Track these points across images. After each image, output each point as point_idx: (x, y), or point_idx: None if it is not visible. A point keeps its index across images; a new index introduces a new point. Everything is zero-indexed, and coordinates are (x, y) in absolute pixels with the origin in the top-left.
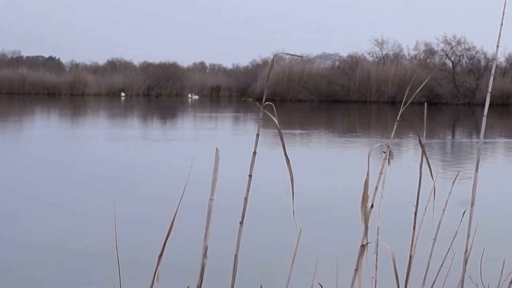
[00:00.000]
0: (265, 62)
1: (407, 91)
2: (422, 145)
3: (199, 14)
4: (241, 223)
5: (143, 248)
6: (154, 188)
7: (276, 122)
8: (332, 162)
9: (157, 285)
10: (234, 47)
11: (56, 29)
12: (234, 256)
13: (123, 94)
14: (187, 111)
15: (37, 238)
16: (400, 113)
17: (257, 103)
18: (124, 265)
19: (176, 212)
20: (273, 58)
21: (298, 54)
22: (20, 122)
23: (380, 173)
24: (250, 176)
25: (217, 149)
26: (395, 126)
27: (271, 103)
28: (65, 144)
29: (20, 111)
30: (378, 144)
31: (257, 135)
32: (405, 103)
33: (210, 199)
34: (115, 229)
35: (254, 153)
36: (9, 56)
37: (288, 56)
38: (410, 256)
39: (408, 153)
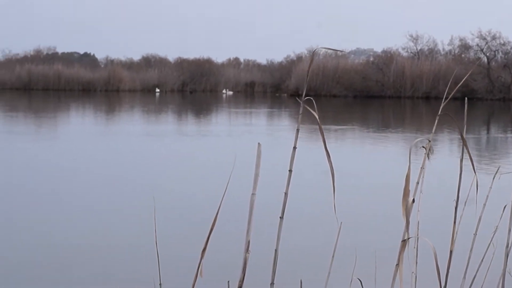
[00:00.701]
0: (299, 58)
1: (446, 86)
2: (464, 140)
3: (234, 10)
4: (281, 218)
5: (182, 243)
6: (192, 184)
7: (317, 117)
8: (368, 158)
9: (199, 279)
10: (269, 42)
11: (91, 25)
12: (274, 251)
13: (158, 90)
14: (221, 107)
15: (76, 234)
16: (441, 107)
17: (297, 98)
18: (164, 260)
19: (219, 207)
20: (312, 52)
21: (336, 48)
22: (55, 118)
23: (421, 167)
24: (290, 171)
25: (259, 143)
26: (436, 121)
27: (311, 98)
28: (101, 140)
29: (55, 107)
30: (419, 139)
31: (297, 129)
32: (445, 98)
33: (252, 194)
34: (155, 224)
35: (294, 148)
36: (45, 53)
37: (323, 51)
38: (451, 251)
39: (445, 148)
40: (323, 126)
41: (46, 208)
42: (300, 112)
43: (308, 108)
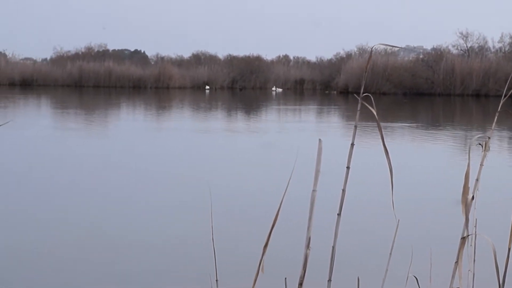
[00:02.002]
0: (348, 55)
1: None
2: None
3: (283, 7)
4: (339, 214)
5: (238, 239)
6: (246, 180)
7: (375, 114)
8: (421, 155)
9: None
10: (318, 39)
11: (141, 22)
12: (331, 248)
13: (207, 87)
14: (271, 104)
15: (131, 230)
16: (501, 104)
17: (355, 95)
18: (221, 256)
19: (281, 203)
20: (371, 49)
21: (393, 45)
22: (107, 114)
23: (480, 164)
24: (348, 167)
25: (320, 140)
26: (495, 118)
27: (369, 95)
28: (153, 137)
29: (106, 103)
30: (479, 136)
31: (355, 126)
32: (504, 95)
33: (313, 190)
34: (211, 220)
35: (352, 144)
36: (96, 50)
37: (374, 48)
38: (509, 249)
39: (499, 144)
40: (375, 123)
41: (98, 205)
42: (358, 108)
43: (367, 104)
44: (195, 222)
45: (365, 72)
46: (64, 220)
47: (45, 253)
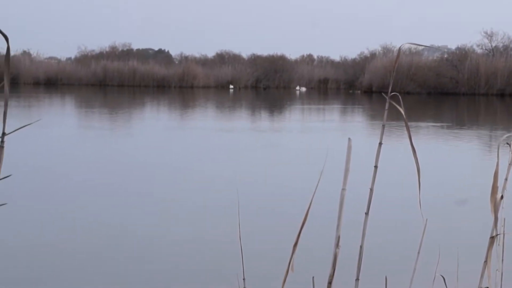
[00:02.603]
0: (372, 54)
1: None
2: None
3: (307, 7)
4: (367, 213)
5: (266, 238)
6: (273, 179)
7: (403, 112)
8: (447, 155)
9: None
10: (342, 39)
11: (165, 22)
12: (359, 247)
13: (231, 86)
14: (295, 103)
15: (157, 229)
16: None
17: (383, 94)
18: (248, 255)
19: (311, 202)
20: (399, 48)
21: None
22: (131, 113)
23: (509, 164)
24: (375, 167)
25: (349, 138)
26: None
27: (397, 94)
28: (177, 136)
29: (131, 102)
30: (507, 135)
31: (383, 125)
32: None
33: (343, 189)
34: (239, 218)
35: (380, 143)
36: (120, 49)
37: (397, 48)
38: None
39: None
40: (399, 123)
41: (124, 204)
42: (386, 108)
43: (395, 104)
44: (222, 221)
45: (393, 71)
46: (90, 219)
47: (72, 251)
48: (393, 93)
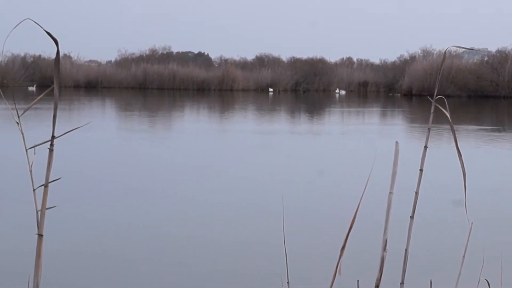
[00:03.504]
0: (412, 57)
1: None
2: None
3: (345, 9)
4: (412, 217)
5: (309, 241)
6: (315, 181)
7: (449, 116)
8: (491, 158)
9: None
10: (382, 42)
11: (205, 25)
12: (404, 251)
13: (271, 89)
14: (334, 106)
15: (202, 231)
16: None
17: (428, 97)
18: (292, 258)
19: (358, 205)
20: (444, 51)
21: (466, 47)
22: (171, 116)
23: None
24: (421, 170)
25: (396, 142)
26: None
27: (443, 97)
28: (218, 138)
29: (171, 105)
30: None
31: (429, 129)
32: None
33: (390, 193)
34: (283, 221)
35: (425, 147)
36: (160, 52)
37: (436, 51)
38: None
39: None
40: (441, 126)
41: (168, 207)
42: (432, 111)
43: (440, 107)
44: (266, 223)
45: (438, 74)
46: (134, 222)
47: (114, 254)
48: (438, 96)
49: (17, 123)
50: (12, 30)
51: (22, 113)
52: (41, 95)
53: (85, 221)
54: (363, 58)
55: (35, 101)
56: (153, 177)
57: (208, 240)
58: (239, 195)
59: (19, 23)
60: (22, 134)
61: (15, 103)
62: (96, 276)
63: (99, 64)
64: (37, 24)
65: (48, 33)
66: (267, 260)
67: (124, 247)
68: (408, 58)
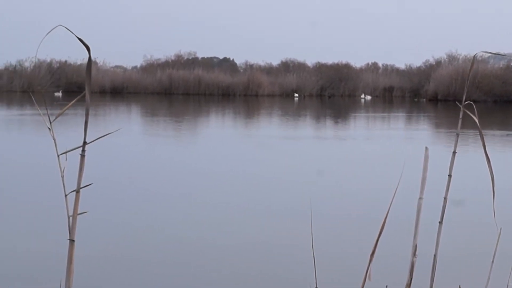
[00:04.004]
0: (438, 62)
1: None
2: None
3: (370, 14)
4: (440, 222)
5: (337, 245)
6: (343, 186)
7: (477, 122)
8: None
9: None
10: (407, 46)
11: (230, 30)
12: (433, 256)
13: (296, 94)
14: (360, 112)
15: (229, 236)
16: None
17: (456, 103)
18: (320, 262)
19: (388, 210)
20: (474, 56)
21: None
22: (197, 122)
23: None
24: (449, 176)
25: (426, 147)
26: None
27: (471, 103)
28: (243, 143)
29: (196, 111)
30: None
31: (457, 134)
32: None
33: (420, 198)
34: (311, 225)
35: (454, 152)
36: (185, 58)
37: (462, 56)
38: None
39: None
40: (466, 131)
41: (192, 211)
42: (460, 116)
43: (469, 113)
44: (293, 228)
45: (467, 80)
46: (164, 227)
47: (138, 258)
48: (467, 102)
49: (49, 129)
50: (44, 37)
51: (54, 119)
52: (73, 101)
53: (114, 226)
54: (388, 63)
55: (67, 106)
56: (182, 182)
57: (235, 245)
58: (265, 200)
59: (51, 30)
60: (54, 140)
61: (47, 109)
62: (125, 281)
63: (125, 69)
64: (69, 30)
65: (80, 40)
66: (294, 264)
67: (155, 252)
68: (434, 63)
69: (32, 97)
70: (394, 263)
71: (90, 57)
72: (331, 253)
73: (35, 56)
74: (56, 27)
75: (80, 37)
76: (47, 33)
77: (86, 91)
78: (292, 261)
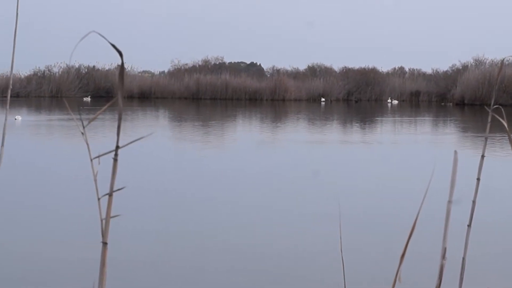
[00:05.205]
0: (464, 67)
1: None
2: None
3: (397, 20)
4: (469, 226)
5: (366, 248)
6: (370, 189)
7: (506, 125)
8: None
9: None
10: (433, 51)
11: (257, 35)
12: (461, 259)
13: (323, 99)
14: (387, 116)
15: (257, 241)
16: None
17: (485, 107)
18: (348, 265)
19: (418, 212)
20: (502, 60)
21: None
22: (225, 126)
23: None
24: (478, 179)
25: (455, 151)
26: None
27: (500, 107)
28: (270, 147)
29: (225, 115)
30: None
31: (486, 138)
32: None
33: (449, 201)
34: (340, 229)
35: (483, 156)
36: (212, 63)
37: (489, 60)
38: None
39: None
40: (493, 135)
41: (224, 215)
42: (489, 120)
43: (498, 117)
44: (323, 230)
45: (495, 84)
46: (197, 231)
47: (174, 263)
48: (495, 106)
49: (82, 133)
50: (78, 43)
51: (87, 124)
52: (107, 106)
53: (145, 229)
54: (415, 67)
55: (100, 111)
56: (212, 186)
57: (265, 248)
58: (296, 203)
59: (84, 36)
60: (87, 144)
61: (80, 114)
62: (157, 284)
63: (153, 74)
64: (102, 36)
65: (113, 46)
66: (324, 267)
67: (186, 256)
68: (460, 68)
69: (66, 103)
70: (421, 265)
71: (122, 63)
72: (360, 256)
73: (68, 61)
74: (89, 33)
75: (112, 43)
76: (81, 39)
77: (119, 96)
78: (321, 263)
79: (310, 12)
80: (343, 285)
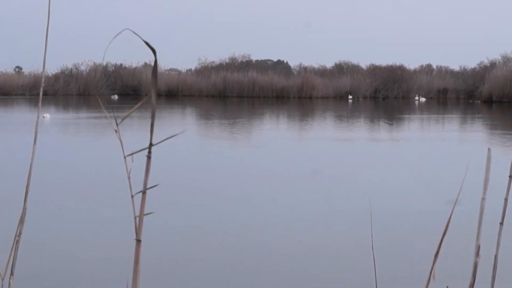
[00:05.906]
0: (492, 64)
1: None
2: None
3: (424, 15)
4: (501, 223)
5: (396, 246)
6: (399, 187)
7: None
8: None
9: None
10: (461, 48)
11: (284, 32)
12: (494, 257)
13: (350, 97)
14: (414, 113)
15: (286, 238)
16: None
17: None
18: (380, 263)
19: (452, 211)
20: None
21: None
22: (253, 124)
23: None
24: (510, 176)
25: (489, 148)
26: None
27: None
28: (298, 145)
29: (252, 113)
30: None
31: None
32: None
33: (482, 199)
34: (371, 227)
35: None
36: (239, 60)
37: None
38: None
39: None
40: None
41: (253, 212)
42: None
43: None
44: (354, 229)
45: None
46: (224, 229)
47: (198, 260)
48: None
49: (116, 131)
50: (111, 40)
51: (121, 121)
52: (140, 103)
53: (177, 227)
54: (442, 64)
55: (133, 109)
56: (242, 184)
57: (294, 245)
58: (325, 201)
59: (118, 33)
60: (121, 142)
61: (113, 112)
62: (189, 282)
63: (179, 72)
64: (136, 34)
65: (147, 43)
66: (355, 265)
67: (213, 254)
68: (488, 65)
69: (99, 100)
70: (454, 263)
71: (156, 60)
72: (393, 254)
73: (101, 59)
74: (123, 30)
75: (146, 41)
76: (114, 37)
77: (152, 94)
78: (353, 261)
79: (334, 11)
80: (374, 283)
